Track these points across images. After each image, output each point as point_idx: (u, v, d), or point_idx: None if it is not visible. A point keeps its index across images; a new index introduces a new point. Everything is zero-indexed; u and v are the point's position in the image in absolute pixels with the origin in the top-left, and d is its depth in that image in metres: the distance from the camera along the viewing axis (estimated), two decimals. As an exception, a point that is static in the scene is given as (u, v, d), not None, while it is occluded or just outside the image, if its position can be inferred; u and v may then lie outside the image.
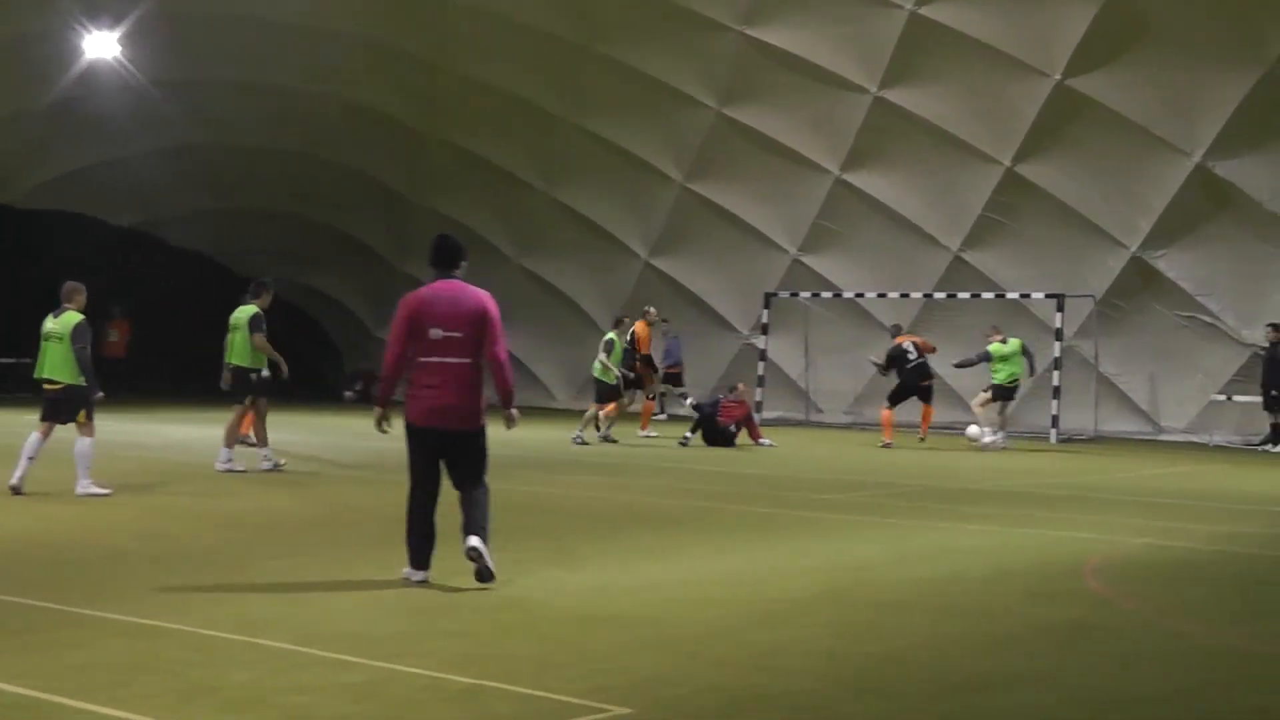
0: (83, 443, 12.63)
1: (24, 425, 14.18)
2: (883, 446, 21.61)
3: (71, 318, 12.69)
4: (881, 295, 26.46)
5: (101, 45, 24.21)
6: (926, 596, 8.52)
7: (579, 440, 20.78)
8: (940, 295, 25.97)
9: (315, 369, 32.33)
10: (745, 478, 16.33)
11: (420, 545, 8.52)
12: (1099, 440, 24.39)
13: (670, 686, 6.12)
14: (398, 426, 8.66)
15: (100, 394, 12.93)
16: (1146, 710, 6.09)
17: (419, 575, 8.48)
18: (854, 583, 8.96)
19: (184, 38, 25.37)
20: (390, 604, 7.92)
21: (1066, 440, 24.08)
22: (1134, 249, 24.10)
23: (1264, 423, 23.14)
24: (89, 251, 27.94)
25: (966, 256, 25.81)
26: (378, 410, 8.81)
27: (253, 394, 15.46)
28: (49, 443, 12.83)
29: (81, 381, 12.62)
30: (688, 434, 21.30)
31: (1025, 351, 22.40)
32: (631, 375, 22.13)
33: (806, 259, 27.56)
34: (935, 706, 5.99)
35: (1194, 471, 18.75)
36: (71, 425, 12.71)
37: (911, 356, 22.18)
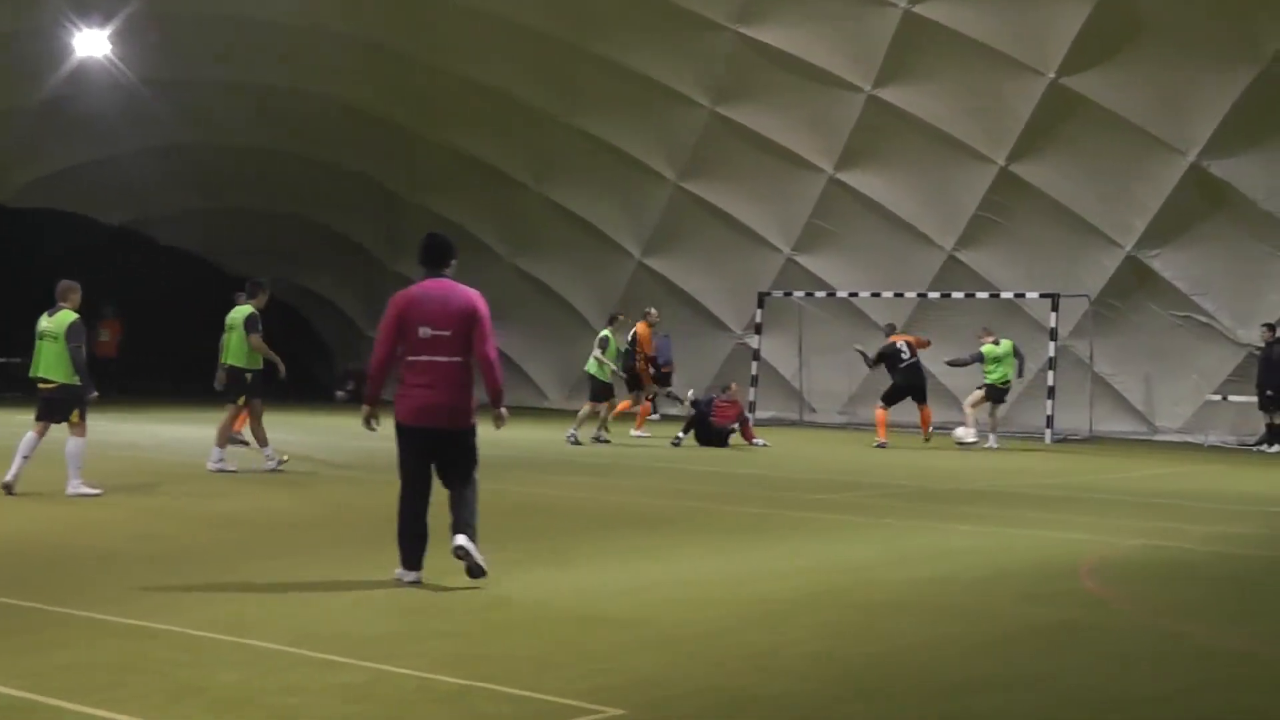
0: (74, 443, 12.61)
1: (15, 425, 14.14)
2: (876, 446, 21.55)
3: (66, 317, 12.68)
4: (876, 295, 26.39)
5: (92, 43, 24.07)
6: (922, 597, 8.49)
7: (572, 439, 20.74)
8: (934, 295, 25.91)
9: (307, 368, 32.21)
10: (739, 478, 16.28)
11: (412, 545, 8.49)
12: (1094, 440, 24.35)
13: (665, 687, 6.12)
14: (386, 425, 8.64)
15: (95, 394, 12.92)
16: (1143, 711, 6.07)
17: (411, 576, 8.46)
18: (849, 583, 8.94)
19: (174, 36, 25.23)
20: (382, 604, 7.90)
21: (1061, 440, 24.03)
22: (1129, 248, 24.04)
23: (1259, 423, 23.09)
24: (79, 250, 27.82)
25: (961, 256, 25.74)
26: (365, 408, 8.81)
27: (246, 394, 15.42)
28: (43, 443, 12.80)
29: (75, 381, 12.60)
30: (680, 434, 21.23)
31: (1016, 353, 22.43)
32: (624, 375, 22.12)
33: (800, 258, 27.48)
34: (931, 708, 5.98)
35: (1189, 472, 18.71)
36: (67, 424, 12.68)
37: (905, 356, 22.13)
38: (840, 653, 6.90)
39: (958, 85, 23.72)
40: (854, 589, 8.75)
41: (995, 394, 22.29)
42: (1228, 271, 23.57)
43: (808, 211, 26.80)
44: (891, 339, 22.56)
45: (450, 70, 26.72)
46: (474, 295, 8.56)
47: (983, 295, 25.36)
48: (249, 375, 15.45)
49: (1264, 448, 22.68)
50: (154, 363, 31.52)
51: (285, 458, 15.59)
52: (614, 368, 21.71)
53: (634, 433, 22.53)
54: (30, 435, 12.72)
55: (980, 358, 22.22)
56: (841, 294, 27.02)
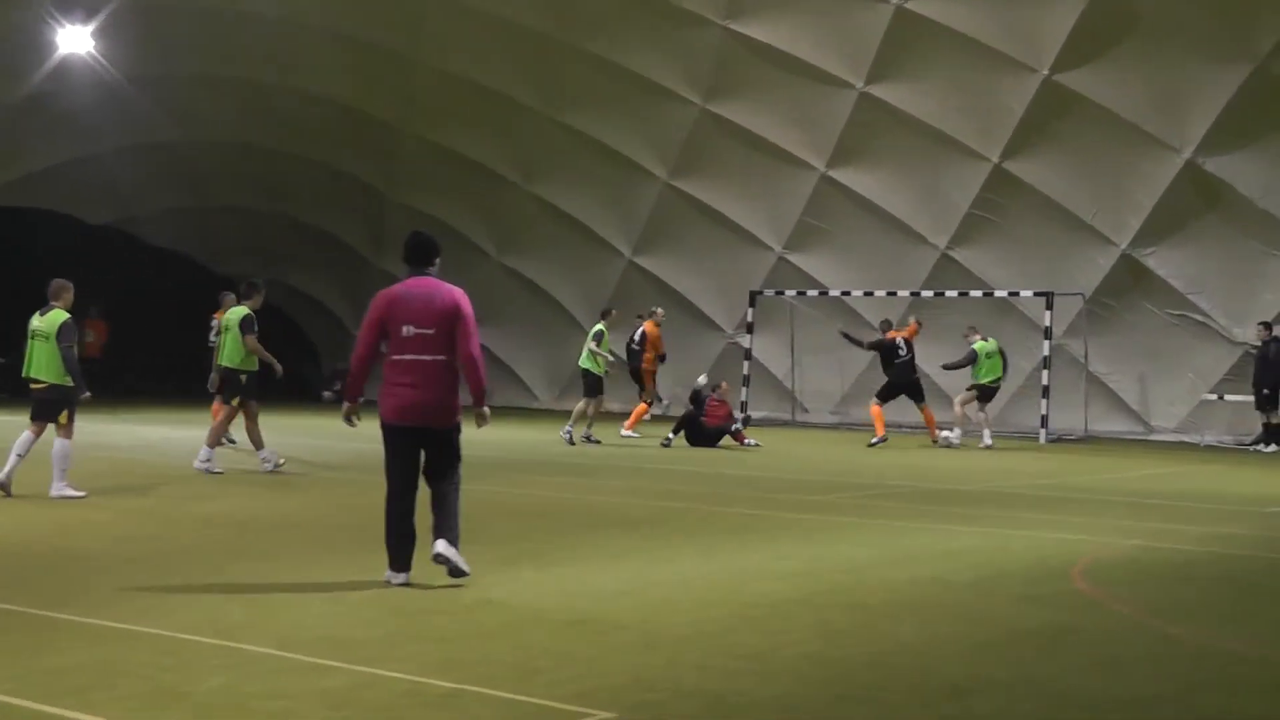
0: (60, 444, 12.57)
1: (6, 426, 13.96)
2: (875, 443, 21.47)
3: (57, 316, 12.62)
4: (868, 294, 26.22)
5: (74, 40, 23.84)
6: (913, 599, 8.45)
7: (568, 437, 20.73)
8: (928, 294, 25.80)
9: (294, 368, 32.05)
10: (730, 479, 16.19)
11: (400, 546, 8.49)
12: (1089, 440, 24.27)
13: (656, 690, 6.08)
14: (370, 425, 8.68)
15: (87, 394, 12.85)
16: (1139, 713, 6.05)
17: (400, 577, 8.44)
18: (843, 584, 8.90)
19: (158, 32, 25.07)
20: (369, 606, 7.86)
21: (1056, 440, 23.90)
22: (1124, 246, 23.91)
23: (1256, 422, 23.02)
24: (63, 250, 27.60)
25: (954, 254, 25.60)
26: (346, 404, 8.86)
27: (241, 395, 15.40)
28: (37, 443, 12.80)
29: (66, 381, 12.56)
30: (670, 435, 21.05)
31: (1000, 352, 22.47)
32: (613, 371, 22.19)
33: (792, 257, 27.34)
34: (922, 711, 5.95)
35: (1185, 472, 18.64)
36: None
37: (902, 353, 22.22)
38: (830, 656, 6.85)
39: (950, 82, 23.58)
40: (848, 590, 8.70)
41: (988, 393, 22.38)
42: (1223, 270, 23.47)
43: (799, 209, 26.65)
44: (890, 335, 22.54)
45: (437, 66, 26.55)
46: (458, 294, 8.56)
47: (976, 294, 25.25)
48: (244, 377, 15.48)
49: (1260, 447, 22.55)
50: (138, 364, 31.33)
51: (282, 460, 15.50)
52: (610, 358, 21.78)
53: (624, 431, 22.30)
54: (26, 434, 12.69)
55: (974, 356, 22.26)
56: (834, 293, 26.91)
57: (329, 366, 33.86)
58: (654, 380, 22.86)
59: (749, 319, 27.56)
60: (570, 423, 21.16)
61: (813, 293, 27.20)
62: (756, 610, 7.92)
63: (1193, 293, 23.71)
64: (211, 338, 19.28)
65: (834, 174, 25.80)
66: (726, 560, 9.83)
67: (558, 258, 30.13)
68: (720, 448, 20.68)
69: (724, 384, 22.60)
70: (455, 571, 8.40)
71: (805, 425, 27.26)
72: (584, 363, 21.77)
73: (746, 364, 27.45)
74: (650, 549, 10.28)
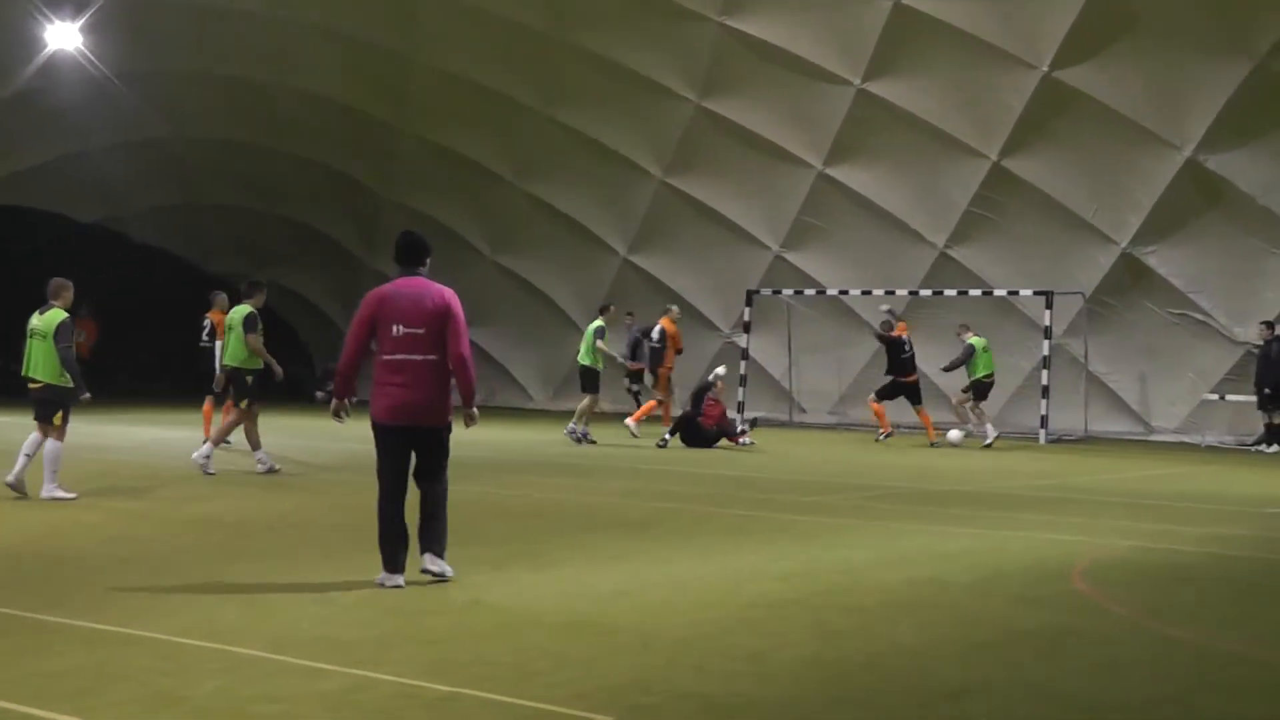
0: (52, 445, 12.55)
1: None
2: (884, 438, 22.04)
3: (56, 316, 12.57)
4: (866, 293, 26.06)
5: (63, 36, 23.60)
6: (911, 600, 8.43)
7: (574, 434, 20.80)
8: (926, 292, 25.66)
9: (285, 368, 31.96)
10: (726, 479, 16.14)
11: (394, 548, 8.49)
12: (1089, 441, 24.16)
13: (652, 693, 6.07)
14: (361, 425, 8.74)
15: (87, 395, 12.81)
16: (1136, 715, 6.02)
17: (395, 579, 8.43)
18: (837, 587, 8.87)
19: (147, 29, 24.93)
20: (364, 608, 7.83)
21: (1056, 441, 23.77)
22: (1124, 245, 23.76)
23: (1257, 422, 22.88)
24: (52, 248, 27.47)
25: (953, 253, 25.45)
26: (335, 401, 8.90)
27: (248, 397, 15.43)
28: (40, 440, 12.76)
29: (62, 382, 12.53)
30: (666, 435, 20.92)
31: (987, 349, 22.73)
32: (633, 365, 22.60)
33: (789, 255, 27.20)
34: (920, 713, 5.93)
35: (1185, 473, 18.56)
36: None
37: (908, 350, 22.41)
38: (826, 658, 6.82)
39: (949, 79, 23.42)
40: (846, 591, 8.67)
41: (983, 389, 22.53)
42: (1224, 268, 23.33)
43: (796, 207, 26.52)
44: (898, 331, 22.62)
45: (429, 64, 26.41)
46: (448, 293, 8.60)
47: (975, 293, 25.12)
48: (250, 377, 15.52)
49: (1262, 448, 22.42)
50: (128, 364, 31.18)
51: (278, 467, 15.44)
52: (617, 356, 21.98)
53: (629, 421, 22.14)
54: (34, 435, 12.68)
55: (971, 351, 22.38)
56: (831, 292, 26.77)
57: (321, 366, 33.71)
58: (669, 380, 22.77)
59: (746, 318, 27.39)
60: (574, 420, 21.13)
61: (810, 292, 27.06)
62: (754, 612, 7.89)
63: (1193, 291, 23.57)
64: (204, 338, 19.18)
65: (831, 172, 25.64)
66: (724, 561, 9.77)
67: (552, 257, 30.02)
68: (716, 448, 20.56)
69: (720, 383, 22.45)
70: (440, 577, 8.57)
71: (803, 425, 27.14)
72: (584, 359, 21.65)
73: (744, 364, 27.29)
74: (647, 550, 10.25)
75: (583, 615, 7.69)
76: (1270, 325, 22.19)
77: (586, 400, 21.47)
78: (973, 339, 22.41)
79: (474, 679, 6.16)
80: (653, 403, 22.81)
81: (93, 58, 24.35)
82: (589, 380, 21.60)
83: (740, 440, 20.85)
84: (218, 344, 18.94)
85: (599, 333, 21.67)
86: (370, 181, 30.77)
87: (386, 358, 8.47)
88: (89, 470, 14.52)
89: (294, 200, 31.83)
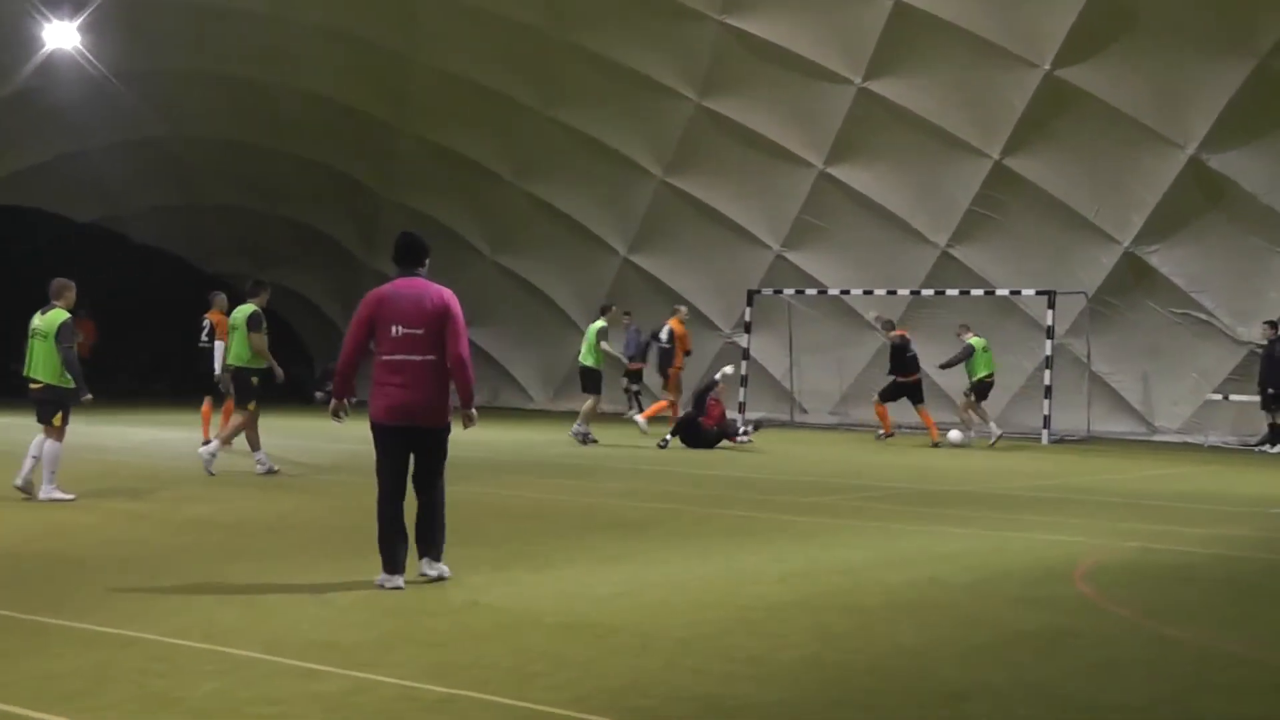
0: (50, 446, 12.49)
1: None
2: (885, 437, 22.16)
3: (57, 316, 12.52)
4: (867, 292, 26.01)
5: (61, 35, 23.52)
6: (911, 601, 8.38)
7: (579, 436, 20.78)
8: (928, 292, 25.58)
9: (284, 368, 31.96)
10: (727, 480, 16.09)
11: (393, 548, 8.47)
12: (1091, 441, 24.09)
13: (652, 695, 6.04)
14: (360, 425, 8.74)
15: (88, 396, 12.76)
16: (1135, 717, 5.99)
17: (394, 580, 8.40)
18: (837, 588, 8.82)
19: (146, 28, 24.88)
20: (362, 610, 7.79)
21: (1058, 441, 23.69)
22: (1126, 244, 23.68)
23: (1261, 423, 22.80)
24: (49, 248, 27.41)
25: (954, 252, 25.38)
26: (333, 401, 8.90)
27: (254, 398, 15.47)
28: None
29: (62, 383, 12.48)
30: (667, 435, 20.85)
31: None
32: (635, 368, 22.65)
33: (790, 255, 27.13)
34: (919, 715, 5.92)
35: (1188, 473, 18.50)
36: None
37: (912, 350, 22.51)
38: (826, 659, 6.78)
39: (950, 77, 23.35)
40: (845, 592, 8.63)
41: (985, 389, 22.55)
42: (1228, 268, 23.26)
43: (797, 207, 26.46)
44: (900, 333, 22.67)
45: (429, 63, 26.36)
46: (447, 294, 8.61)
47: (977, 292, 25.05)
48: (254, 378, 15.54)
49: (1265, 448, 22.34)
50: (126, 364, 31.14)
51: (277, 468, 15.42)
52: (621, 358, 22.07)
53: (639, 418, 22.13)
54: (40, 436, 12.66)
55: (970, 350, 22.40)
56: (832, 291, 26.71)
57: (321, 366, 33.65)
58: (678, 379, 22.74)
59: (747, 318, 27.33)
60: (579, 422, 21.11)
61: (811, 291, 27.00)
62: (754, 613, 7.85)
63: (1196, 291, 23.49)
64: (203, 338, 19.12)
65: (832, 171, 25.58)
66: (723, 562, 9.73)
67: (552, 256, 29.97)
68: (717, 449, 20.49)
69: (722, 383, 22.44)
70: (438, 578, 8.62)
71: (804, 426, 27.06)
72: (586, 359, 21.59)
73: (745, 364, 27.22)
74: (647, 551, 10.20)
75: (582, 616, 7.65)
76: (1274, 325, 22.10)
77: (590, 401, 21.42)
78: (972, 339, 22.44)
79: (473, 681, 6.14)
80: (664, 402, 22.78)
81: (91, 57, 24.26)
82: (590, 381, 21.56)
83: (739, 439, 20.79)
84: (218, 345, 18.91)
85: (602, 334, 21.63)
86: (370, 181, 30.71)
87: (385, 358, 8.47)
88: (88, 471, 14.48)
89: (294, 200, 31.77)
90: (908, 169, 24.94)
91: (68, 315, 12.54)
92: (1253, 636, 7.71)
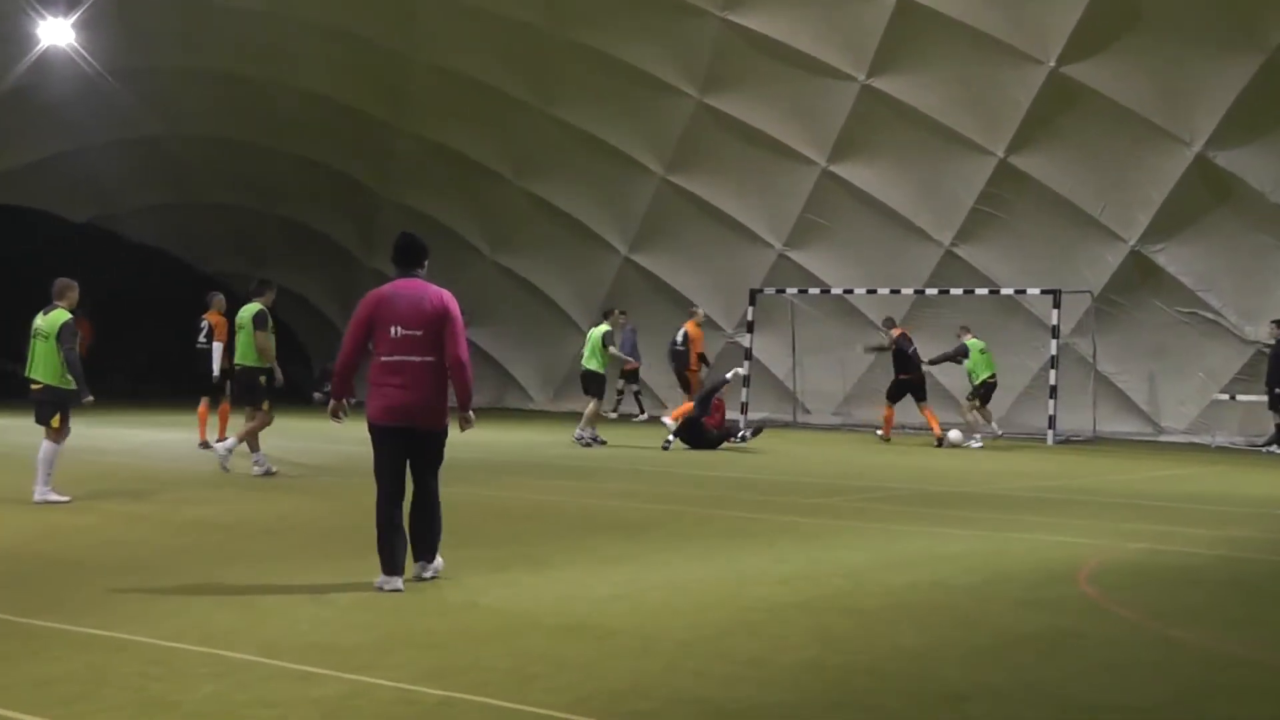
0: (48, 447, 12.47)
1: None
2: (882, 440, 22.27)
3: (59, 316, 12.50)
4: (871, 291, 25.87)
5: (55, 32, 23.38)
6: (913, 603, 8.36)
7: (587, 438, 20.70)
8: (932, 291, 25.42)
9: (283, 368, 31.93)
10: (728, 481, 16.04)
11: (392, 550, 8.47)
12: (1097, 441, 23.97)
13: (651, 698, 6.02)
14: (359, 426, 8.72)
15: (90, 398, 12.70)
16: (1143, 719, 5.98)
17: (392, 582, 8.39)
18: (838, 590, 8.78)
19: (140, 25, 24.79)
20: (359, 612, 7.77)
21: (1064, 441, 23.57)
22: (1132, 243, 23.52)
23: (1268, 423, 22.63)
24: (47, 248, 27.33)
25: (959, 251, 25.24)
26: (332, 403, 8.93)
27: (265, 398, 15.46)
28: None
29: (62, 384, 12.45)
30: (670, 437, 20.75)
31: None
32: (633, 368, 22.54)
33: (792, 254, 27.00)
34: (920, 718, 5.91)
35: (1194, 474, 18.39)
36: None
37: (914, 348, 22.64)
38: (827, 661, 6.76)
39: (954, 74, 23.19)
40: (847, 594, 8.60)
41: (988, 391, 22.62)
42: (1235, 266, 23.08)
43: (800, 205, 26.31)
44: (900, 332, 22.69)
45: (427, 61, 26.23)
46: (446, 296, 8.64)
47: (982, 292, 24.91)
48: (262, 377, 15.56)
49: (1273, 448, 22.19)
50: (122, 365, 31.05)
51: (275, 469, 15.38)
52: (630, 360, 22.00)
53: (667, 419, 22.08)
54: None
55: (965, 351, 22.49)
56: (835, 291, 26.56)
57: (319, 367, 33.59)
58: (699, 380, 22.68)
59: (749, 318, 27.16)
60: (581, 426, 21.02)
61: (814, 290, 26.86)
62: (754, 615, 7.83)
63: (1203, 290, 23.33)
64: (201, 339, 19.06)
65: (835, 169, 25.44)
66: (724, 564, 9.69)
67: (552, 256, 29.86)
68: (719, 449, 20.42)
69: (729, 378, 22.39)
70: (433, 576, 8.67)
71: (808, 426, 26.96)
72: (589, 363, 21.48)
73: (747, 364, 27.09)
74: (647, 553, 10.15)
75: (582, 618, 7.63)
76: (1281, 324, 22.03)
77: (593, 405, 21.33)
78: (970, 340, 22.48)
79: (472, 684, 6.12)
80: (689, 404, 22.71)
81: (85, 54, 24.15)
82: (593, 384, 21.46)
83: (735, 439, 20.66)
84: (216, 346, 18.85)
85: (607, 338, 21.55)
86: (368, 180, 30.63)
87: (384, 359, 8.49)
88: (85, 472, 14.45)
89: (291, 199, 31.71)
90: (911, 167, 24.78)
91: (70, 316, 12.50)
92: (1259, 638, 7.67)
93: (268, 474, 15.07)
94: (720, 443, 20.61)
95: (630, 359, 23.77)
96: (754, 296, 27.01)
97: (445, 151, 28.66)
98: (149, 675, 6.19)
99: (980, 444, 22.09)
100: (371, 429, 8.54)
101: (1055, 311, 23.78)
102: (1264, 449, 22.36)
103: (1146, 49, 21.61)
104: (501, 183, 28.94)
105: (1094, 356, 24.51)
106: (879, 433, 23.00)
